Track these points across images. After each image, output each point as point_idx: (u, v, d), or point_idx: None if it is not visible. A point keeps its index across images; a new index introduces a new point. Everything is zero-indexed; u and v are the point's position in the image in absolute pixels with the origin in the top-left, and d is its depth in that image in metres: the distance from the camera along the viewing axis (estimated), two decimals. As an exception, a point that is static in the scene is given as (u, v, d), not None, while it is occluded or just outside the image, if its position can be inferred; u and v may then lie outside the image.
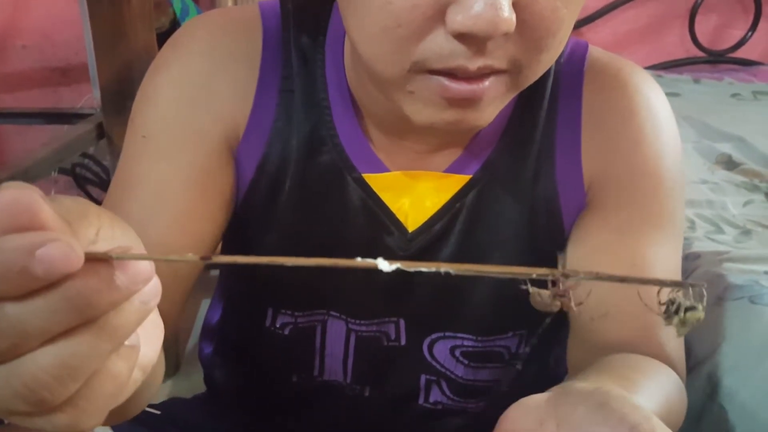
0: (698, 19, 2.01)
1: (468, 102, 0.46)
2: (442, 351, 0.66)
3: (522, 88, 0.49)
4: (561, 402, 0.39)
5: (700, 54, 2.04)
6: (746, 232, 0.96)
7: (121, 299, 0.27)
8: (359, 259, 0.28)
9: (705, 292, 0.29)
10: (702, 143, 1.31)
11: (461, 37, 0.42)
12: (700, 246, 0.90)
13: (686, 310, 0.30)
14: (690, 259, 0.87)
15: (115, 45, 1.12)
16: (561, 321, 0.63)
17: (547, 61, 0.48)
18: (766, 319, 0.75)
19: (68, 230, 0.27)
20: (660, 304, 0.30)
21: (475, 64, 0.44)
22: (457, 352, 0.66)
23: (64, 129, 1.30)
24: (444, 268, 0.27)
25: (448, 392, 0.68)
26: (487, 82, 0.45)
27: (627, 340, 0.57)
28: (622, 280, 0.28)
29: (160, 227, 0.56)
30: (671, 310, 0.30)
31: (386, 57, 0.45)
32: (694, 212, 1.01)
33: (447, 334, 0.65)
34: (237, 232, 0.67)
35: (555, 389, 0.42)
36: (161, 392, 1.38)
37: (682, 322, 0.30)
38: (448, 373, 0.67)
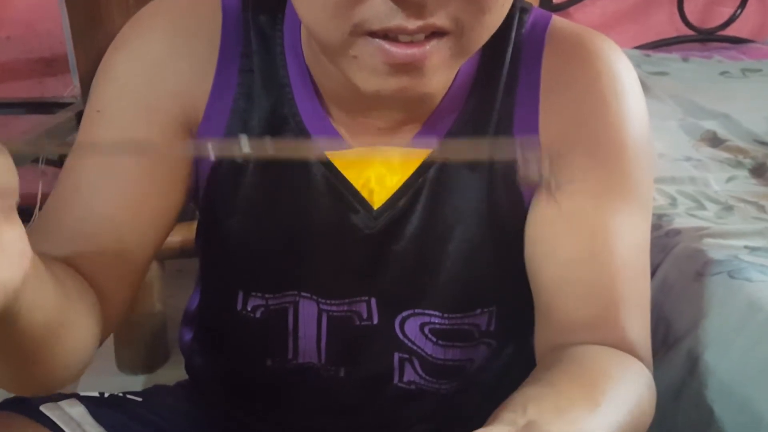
0: (687, -4, 1.99)
1: (412, 67, 0.46)
2: (413, 328, 0.66)
3: (468, 54, 0.49)
4: None
5: (690, 32, 2.02)
6: (728, 208, 0.96)
7: None
8: None
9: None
10: (687, 121, 1.31)
11: None
12: (681, 222, 0.90)
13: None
14: (670, 236, 0.87)
15: (91, 32, 1.12)
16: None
17: (490, 24, 0.48)
18: (744, 294, 0.74)
19: None
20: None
21: (414, 23, 0.44)
22: (426, 329, 0.66)
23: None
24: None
25: (420, 371, 0.68)
26: (428, 46, 0.46)
27: (590, 322, 0.56)
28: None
29: (107, 200, 0.56)
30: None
31: (326, 21, 0.46)
32: (676, 189, 1.01)
33: (417, 311, 0.65)
34: (206, 216, 0.67)
35: (520, 423, 0.39)
36: (148, 382, 1.39)
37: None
38: (419, 351, 0.67)
